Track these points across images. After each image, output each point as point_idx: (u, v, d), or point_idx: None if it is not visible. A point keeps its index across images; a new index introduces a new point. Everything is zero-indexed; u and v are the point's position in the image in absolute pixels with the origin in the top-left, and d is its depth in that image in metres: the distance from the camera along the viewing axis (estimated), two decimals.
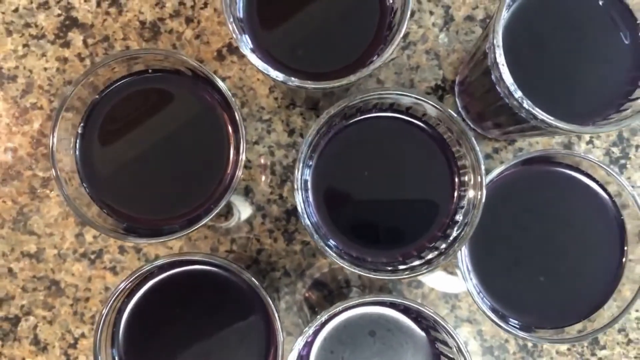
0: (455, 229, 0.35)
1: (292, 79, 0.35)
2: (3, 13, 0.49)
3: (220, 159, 0.38)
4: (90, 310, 0.48)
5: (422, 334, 0.37)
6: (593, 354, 0.48)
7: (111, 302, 0.34)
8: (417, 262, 0.35)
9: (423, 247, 0.36)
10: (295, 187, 0.34)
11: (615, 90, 0.38)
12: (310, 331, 0.34)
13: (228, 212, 0.49)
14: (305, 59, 0.37)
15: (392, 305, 0.37)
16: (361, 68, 0.35)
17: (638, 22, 0.37)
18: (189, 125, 0.39)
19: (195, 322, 0.36)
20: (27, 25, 0.49)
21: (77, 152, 0.39)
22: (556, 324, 0.39)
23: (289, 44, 0.37)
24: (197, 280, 0.36)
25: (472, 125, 0.48)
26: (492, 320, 0.36)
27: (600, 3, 0.37)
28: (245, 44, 0.35)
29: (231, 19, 0.35)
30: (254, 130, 0.49)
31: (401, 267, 0.35)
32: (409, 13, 0.34)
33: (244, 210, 0.50)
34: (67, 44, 0.49)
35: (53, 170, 0.37)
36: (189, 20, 0.49)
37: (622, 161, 0.49)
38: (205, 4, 0.49)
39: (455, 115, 0.34)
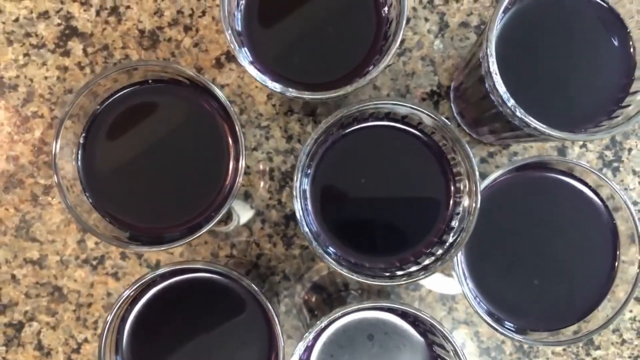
0: (452, 234, 0.36)
1: (290, 89, 0.35)
2: (4, 23, 0.49)
3: (220, 167, 0.39)
4: (93, 316, 0.49)
5: (420, 337, 0.38)
6: (588, 354, 0.49)
7: (115, 309, 0.34)
8: (414, 268, 0.36)
9: (420, 253, 0.37)
10: (294, 195, 0.35)
11: (607, 97, 0.38)
12: (311, 336, 0.35)
13: (227, 216, 0.50)
14: (302, 70, 0.37)
15: (390, 310, 0.38)
16: (358, 78, 0.36)
17: (628, 30, 0.38)
18: (189, 134, 0.40)
19: (197, 329, 0.37)
20: (28, 34, 0.49)
21: (79, 162, 0.39)
22: (551, 326, 0.39)
23: (287, 55, 0.38)
24: (198, 287, 0.37)
25: (467, 131, 0.49)
26: (488, 324, 0.37)
27: (592, 12, 0.38)
28: (244, 56, 0.36)
29: (229, 31, 0.36)
30: (252, 136, 0.49)
31: (399, 272, 0.36)
32: (404, 24, 0.35)
33: (243, 214, 0.50)
34: (67, 53, 0.50)
35: (55, 177, 0.37)
36: (187, 29, 0.49)
37: (615, 164, 0.50)
38: (204, 13, 0.50)
39: (450, 124, 0.34)
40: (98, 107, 0.39)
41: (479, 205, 0.34)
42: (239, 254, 0.49)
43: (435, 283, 0.50)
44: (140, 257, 0.49)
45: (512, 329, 0.38)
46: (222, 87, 0.49)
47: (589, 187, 0.40)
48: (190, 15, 0.49)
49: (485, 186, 0.38)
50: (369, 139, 0.37)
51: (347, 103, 0.46)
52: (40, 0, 0.49)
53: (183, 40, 0.49)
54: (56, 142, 0.37)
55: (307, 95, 0.35)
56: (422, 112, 0.35)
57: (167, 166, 0.40)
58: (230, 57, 0.49)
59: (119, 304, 0.35)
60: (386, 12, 0.38)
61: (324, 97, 0.35)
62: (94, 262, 0.49)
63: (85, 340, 0.49)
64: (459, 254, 0.39)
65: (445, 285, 0.50)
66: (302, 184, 0.36)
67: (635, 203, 0.50)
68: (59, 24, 0.50)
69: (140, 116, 0.40)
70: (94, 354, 0.49)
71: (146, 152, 0.40)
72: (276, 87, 0.36)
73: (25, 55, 0.49)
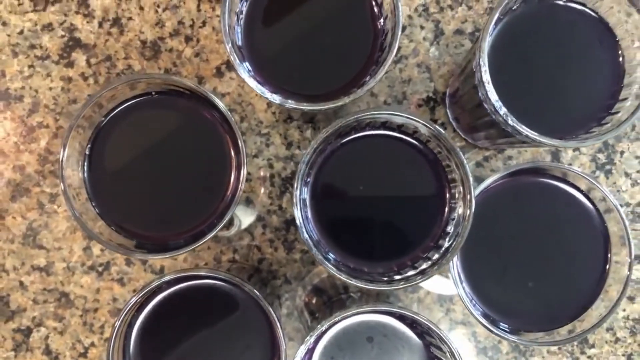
0: (447, 239, 0.37)
1: (289, 101, 0.37)
2: (9, 35, 0.50)
3: (222, 175, 0.40)
4: (99, 321, 0.50)
5: (417, 339, 0.39)
6: (582, 353, 0.50)
7: (123, 315, 0.36)
8: (411, 272, 0.37)
9: (417, 257, 0.38)
10: (294, 203, 0.36)
11: (597, 104, 0.39)
12: (312, 339, 0.36)
13: (230, 222, 0.51)
14: (301, 81, 0.39)
15: (388, 313, 0.39)
16: (355, 88, 0.37)
17: (617, 39, 0.39)
18: (191, 144, 0.41)
19: (202, 333, 0.38)
20: (32, 46, 0.51)
21: (85, 172, 0.41)
22: (545, 327, 0.41)
23: (286, 67, 0.39)
24: (202, 293, 0.38)
25: (463, 136, 0.50)
26: (483, 325, 0.38)
27: (582, 22, 0.39)
28: (244, 69, 0.37)
29: (230, 44, 0.37)
30: (253, 143, 0.51)
31: (396, 277, 0.37)
32: (399, 35, 0.36)
33: (244, 219, 0.52)
34: (71, 64, 0.51)
35: (62, 185, 0.38)
36: (188, 39, 0.51)
37: (608, 167, 0.51)
38: (204, 23, 0.51)
39: (444, 133, 0.36)
40: (103, 118, 0.41)
41: (473, 211, 0.35)
42: (241, 259, 0.50)
43: (434, 284, 0.51)
44: (144, 263, 0.50)
45: (507, 329, 0.39)
46: (222, 95, 0.50)
47: (581, 190, 0.41)
48: (191, 26, 0.51)
49: (479, 191, 0.39)
50: (367, 147, 0.38)
51: (345, 111, 0.47)
52: (44, 12, 0.50)
53: (184, 50, 0.50)
54: (63, 152, 0.38)
55: (306, 107, 0.36)
56: (418, 121, 0.36)
57: (170, 175, 0.41)
58: (231, 66, 0.51)
59: (126, 310, 0.36)
60: (382, 24, 0.39)
61: (322, 109, 0.36)
62: (100, 269, 0.50)
63: (92, 344, 0.50)
64: (455, 258, 0.40)
65: (443, 286, 0.51)
66: (302, 192, 0.37)
67: (628, 204, 0.51)
68: (62, 36, 0.51)
69: (144, 127, 0.41)
70: (101, 358, 0.50)
71: (150, 161, 0.41)
72: (275, 98, 0.37)
73: (30, 66, 0.51)
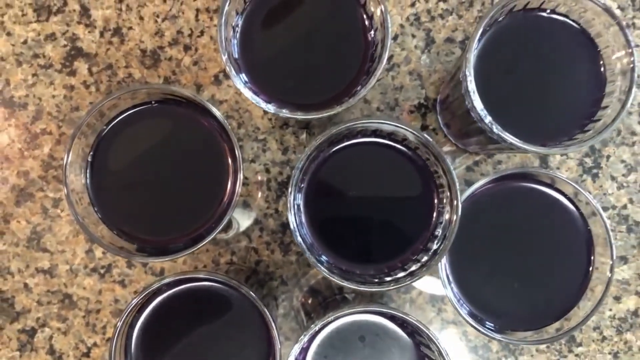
0: (436, 242, 0.39)
1: (284, 110, 0.38)
2: (13, 45, 0.52)
3: (220, 181, 0.42)
4: (101, 321, 0.52)
5: (408, 338, 0.41)
6: (570, 351, 0.52)
7: (124, 316, 0.37)
8: (401, 274, 0.39)
9: (407, 259, 0.40)
10: (289, 208, 0.37)
11: (580, 112, 0.41)
12: (306, 338, 0.38)
13: (228, 224, 0.53)
14: (295, 91, 0.40)
15: (380, 313, 0.41)
16: (347, 97, 0.39)
17: (599, 49, 0.41)
18: (190, 151, 0.42)
19: (200, 333, 0.40)
20: (36, 55, 0.52)
21: (88, 178, 0.42)
22: (531, 325, 0.42)
23: (280, 77, 0.40)
24: (200, 295, 0.40)
25: (453, 141, 0.52)
26: (470, 324, 0.39)
27: (565, 33, 0.41)
28: (240, 80, 0.38)
29: (226, 56, 0.38)
30: (250, 149, 0.52)
31: (387, 278, 0.39)
32: (388, 47, 0.38)
33: (242, 221, 0.53)
34: (73, 73, 0.52)
35: (65, 190, 0.40)
36: (187, 48, 0.52)
37: (595, 171, 0.52)
38: (202, 33, 0.52)
39: (432, 140, 0.37)
40: (104, 127, 0.42)
41: (459, 216, 0.37)
42: (239, 261, 0.52)
43: (426, 285, 0.53)
44: (145, 265, 0.52)
45: (493, 328, 0.41)
46: (220, 102, 0.52)
47: (565, 195, 0.43)
48: (190, 35, 0.52)
49: (467, 195, 0.41)
50: (358, 154, 0.40)
51: (339, 118, 0.49)
52: (47, 23, 0.52)
53: (183, 59, 0.52)
54: (67, 159, 0.40)
55: (300, 116, 0.38)
56: (407, 129, 0.38)
57: (170, 181, 0.42)
58: (228, 75, 0.52)
59: (128, 311, 0.38)
60: (372, 35, 0.40)
61: (315, 117, 0.38)
62: (102, 271, 0.52)
63: (95, 344, 0.52)
64: (443, 260, 0.41)
65: (435, 286, 0.52)
66: (296, 198, 0.38)
67: (614, 207, 0.52)
68: (65, 45, 0.52)
69: (144, 135, 0.43)
70: (103, 357, 0.51)
71: (150, 167, 0.42)
72: (270, 108, 0.38)
73: (34, 75, 0.52)
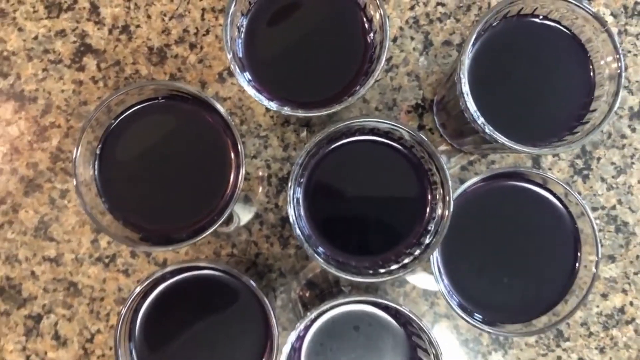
0: (428, 237, 0.41)
1: (285, 108, 0.40)
2: (24, 40, 0.54)
3: (223, 175, 0.43)
4: (105, 309, 0.53)
5: (400, 328, 0.43)
6: (558, 346, 0.53)
7: (129, 303, 0.39)
8: (394, 266, 0.40)
9: (400, 252, 0.41)
10: (288, 202, 0.39)
11: (569, 115, 0.43)
12: (302, 326, 0.39)
13: (229, 218, 0.55)
14: (297, 90, 0.42)
15: (375, 304, 0.42)
16: (346, 97, 0.41)
17: (588, 55, 0.42)
18: (194, 145, 0.44)
19: (201, 319, 0.41)
20: (46, 51, 0.54)
21: (96, 170, 0.44)
22: (519, 319, 0.44)
23: (283, 76, 0.42)
24: (202, 283, 0.42)
25: (449, 141, 0.54)
26: (460, 316, 0.41)
27: (557, 38, 0.43)
28: (244, 78, 0.40)
29: (231, 55, 0.40)
30: (252, 145, 0.54)
31: (381, 270, 0.40)
32: (386, 49, 0.40)
33: (243, 216, 0.55)
34: (82, 68, 0.54)
35: (74, 181, 0.41)
36: (192, 46, 0.54)
37: (585, 172, 0.54)
38: (207, 31, 0.54)
39: (426, 139, 0.39)
40: (113, 121, 0.44)
41: (451, 211, 0.39)
42: (239, 253, 0.54)
43: (419, 280, 0.54)
44: (148, 255, 0.53)
45: (482, 320, 0.42)
46: (224, 99, 0.54)
47: (555, 195, 0.45)
48: (195, 34, 0.54)
49: (460, 192, 0.43)
50: (356, 151, 0.42)
51: (339, 116, 0.50)
52: (57, 19, 0.54)
53: (189, 56, 0.54)
54: (76, 151, 0.42)
55: (301, 113, 0.40)
56: (403, 128, 0.39)
57: (174, 174, 0.44)
58: (232, 72, 0.54)
59: (132, 297, 0.39)
60: (371, 38, 0.42)
61: (315, 115, 0.40)
62: (106, 260, 0.53)
63: (98, 331, 0.53)
64: (436, 254, 0.43)
65: (428, 282, 0.54)
66: (295, 192, 0.40)
67: (603, 208, 0.54)
68: (74, 42, 0.54)
69: (151, 129, 0.44)
70: (106, 343, 0.53)
71: (156, 161, 0.44)
72: (272, 105, 0.40)
73: (44, 70, 0.54)
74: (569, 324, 0.53)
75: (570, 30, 0.43)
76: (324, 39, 0.42)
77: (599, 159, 0.54)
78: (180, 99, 0.44)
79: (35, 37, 0.54)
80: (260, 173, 0.54)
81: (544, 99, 0.43)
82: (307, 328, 0.42)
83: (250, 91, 0.40)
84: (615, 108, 0.40)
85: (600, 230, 0.54)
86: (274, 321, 0.40)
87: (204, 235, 0.40)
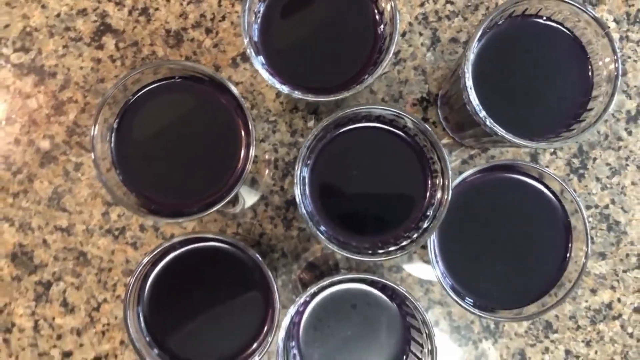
0: (426, 221, 0.43)
1: (296, 92, 0.42)
2: (47, 17, 0.56)
3: (233, 154, 0.45)
4: (112, 279, 0.55)
5: (396, 308, 0.45)
6: (546, 337, 0.55)
7: (139, 269, 0.41)
8: (393, 248, 0.42)
9: (399, 235, 0.43)
10: (295, 181, 0.41)
11: (567, 112, 0.45)
12: (302, 300, 0.41)
13: (235, 199, 0.57)
14: (308, 76, 0.44)
15: (372, 283, 0.44)
16: (354, 85, 0.42)
17: (588, 56, 0.44)
18: (207, 125, 0.46)
19: (207, 289, 0.43)
20: (67, 29, 0.56)
21: (112, 144, 0.46)
22: (509, 306, 0.46)
23: (295, 62, 0.44)
24: (209, 254, 0.44)
25: (451, 134, 0.56)
26: (453, 298, 0.43)
27: (559, 39, 0.45)
28: (258, 61, 0.42)
29: (247, 39, 0.42)
30: (261, 129, 0.56)
31: (380, 251, 0.42)
32: (395, 41, 0.42)
33: (248, 198, 0.57)
34: (101, 47, 0.56)
35: (92, 155, 0.43)
36: (208, 31, 0.56)
37: (581, 171, 0.56)
38: (224, 17, 0.56)
39: (430, 128, 0.41)
40: (131, 97, 0.46)
41: (449, 199, 0.41)
42: (244, 232, 0.56)
43: (416, 269, 0.56)
44: (156, 230, 0.55)
45: (473, 304, 0.44)
46: (236, 84, 0.56)
47: (551, 190, 0.46)
48: (212, 19, 0.56)
49: (459, 181, 0.45)
50: (361, 137, 0.44)
51: (345, 104, 0.52)
52: None
53: (204, 41, 0.56)
54: (94, 126, 0.44)
55: (311, 98, 0.42)
56: (407, 117, 0.41)
57: (187, 151, 0.46)
58: (245, 58, 0.56)
59: (142, 265, 0.41)
60: (382, 30, 0.44)
61: (324, 100, 0.42)
62: (116, 233, 0.55)
63: (105, 300, 0.55)
64: (433, 239, 0.45)
65: (424, 270, 0.56)
66: (302, 172, 0.42)
67: (596, 206, 0.56)
68: (95, 21, 0.56)
69: (166, 107, 0.46)
70: (112, 312, 0.55)
71: (169, 138, 0.46)
72: (284, 89, 0.42)
73: (64, 46, 0.56)
74: (558, 317, 0.55)
75: (572, 32, 0.44)
76: (336, 28, 0.44)
77: (595, 159, 0.56)
78: (195, 80, 0.46)
79: (58, 15, 0.56)
80: (267, 156, 0.56)
81: (544, 96, 0.45)
82: (306, 304, 0.44)
83: (264, 74, 0.42)
84: (610, 108, 0.42)
85: (592, 228, 0.56)
86: (276, 293, 0.42)
87: (212, 210, 0.42)
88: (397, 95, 0.56)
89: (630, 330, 0.55)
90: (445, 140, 0.56)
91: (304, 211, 0.41)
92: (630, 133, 0.56)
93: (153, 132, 0.46)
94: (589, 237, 0.44)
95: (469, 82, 0.42)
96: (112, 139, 0.46)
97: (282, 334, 0.41)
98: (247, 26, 0.42)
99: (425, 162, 0.43)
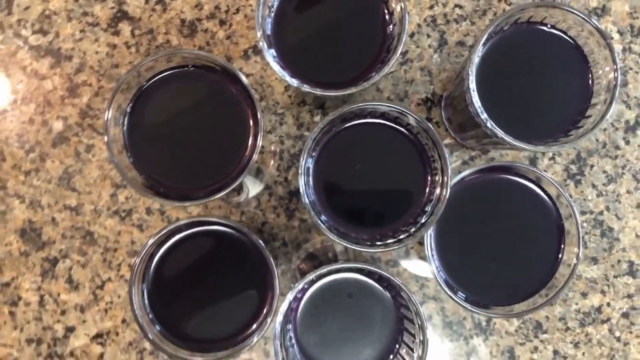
0: (424, 217, 0.44)
1: (305, 85, 0.43)
2: (66, 2, 0.57)
3: (241, 143, 0.46)
4: (117, 259, 0.57)
5: (391, 300, 0.46)
6: (536, 336, 0.57)
7: (145, 249, 0.42)
8: (390, 240, 0.44)
9: (397, 229, 0.45)
10: (300, 172, 0.43)
11: (566, 118, 0.46)
12: (300, 287, 0.43)
13: (240, 187, 0.58)
14: (317, 70, 0.45)
15: (369, 274, 0.46)
16: (362, 81, 0.44)
17: (589, 65, 0.46)
18: (217, 113, 0.47)
19: (210, 271, 0.45)
20: (85, 14, 0.57)
21: (124, 128, 0.47)
22: (500, 303, 0.47)
23: (306, 57, 0.46)
24: (213, 238, 0.45)
25: (453, 135, 0.57)
26: (445, 291, 0.45)
27: (562, 47, 0.46)
28: (270, 54, 0.44)
29: (261, 32, 0.44)
30: (268, 121, 0.57)
31: (377, 243, 0.44)
32: (403, 41, 0.43)
33: (253, 188, 0.58)
34: (117, 33, 0.58)
35: (105, 137, 0.45)
36: (222, 23, 0.57)
37: (578, 177, 0.57)
38: (237, 10, 0.57)
39: (432, 127, 0.42)
40: (144, 83, 0.47)
41: (447, 195, 0.42)
42: (247, 220, 0.57)
43: (412, 265, 0.58)
44: (162, 213, 0.57)
45: (463, 298, 0.46)
46: (247, 76, 0.57)
47: (547, 194, 0.48)
48: (226, 11, 0.57)
49: (457, 180, 0.46)
50: (366, 132, 0.45)
51: (352, 101, 0.54)
52: None
53: (218, 32, 0.57)
54: (108, 111, 0.45)
55: (319, 92, 0.43)
56: (411, 115, 0.43)
57: (196, 138, 0.47)
58: (257, 51, 0.57)
59: (149, 245, 0.43)
60: (391, 29, 0.45)
61: (332, 95, 0.43)
62: (123, 214, 0.57)
63: (109, 279, 0.57)
64: (430, 237, 0.47)
65: (420, 267, 0.58)
66: (307, 163, 0.44)
67: (591, 212, 0.57)
68: (112, 7, 0.57)
69: (177, 95, 0.48)
70: (115, 291, 0.57)
71: (180, 124, 0.47)
72: (293, 82, 0.44)
73: (82, 31, 0.57)
74: (548, 318, 0.57)
75: (575, 41, 0.46)
76: (346, 26, 0.46)
77: (592, 166, 0.57)
78: (207, 69, 0.47)
79: (77, 0, 0.57)
80: (273, 148, 0.58)
81: (544, 102, 0.46)
82: (304, 290, 0.46)
83: (275, 67, 0.43)
84: (608, 116, 0.43)
85: (586, 233, 0.57)
86: (276, 280, 0.43)
87: (218, 195, 0.44)
88: (403, 94, 0.57)
89: (617, 334, 0.57)
90: (447, 141, 0.58)
91: (307, 201, 0.43)
92: (628, 142, 0.57)
93: (164, 118, 0.48)
94: (581, 241, 0.46)
95: (472, 85, 0.43)
96: (125, 123, 0.48)
97: (279, 318, 0.43)
98: (261, 19, 0.43)
99: (426, 159, 0.45)
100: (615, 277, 0.57)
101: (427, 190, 0.45)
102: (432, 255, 0.46)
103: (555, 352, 0.57)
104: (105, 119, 0.45)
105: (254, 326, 0.44)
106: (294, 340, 0.45)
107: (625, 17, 0.58)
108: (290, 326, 0.45)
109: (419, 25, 0.57)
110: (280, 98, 0.58)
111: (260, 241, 0.43)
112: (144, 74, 0.48)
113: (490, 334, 0.57)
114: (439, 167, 0.44)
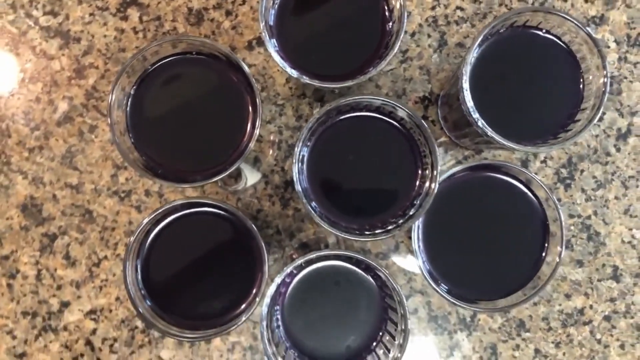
0: (413, 209, 0.45)
1: (304, 77, 0.45)
2: None
3: (239, 130, 0.48)
4: (114, 238, 0.58)
5: (377, 289, 0.48)
6: (518, 335, 0.58)
7: (142, 227, 0.44)
8: (379, 230, 0.45)
9: (386, 220, 0.46)
10: (294, 160, 0.44)
11: (556, 121, 0.47)
12: (289, 271, 0.44)
13: (238, 175, 0.60)
14: (317, 63, 0.47)
15: (357, 262, 0.47)
16: (359, 75, 0.45)
17: (581, 70, 0.47)
18: (218, 100, 0.49)
19: (203, 252, 0.46)
20: None
21: (128, 110, 0.48)
22: (483, 297, 0.48)
23: (306, 49, 0.47)
24: (208, 219, 0.46)
25: (448, 134, 0.58)
26: (428, 282, 0.46)
27: (555, 51, 0.47)
28: (272, 45, 0.45)
29: (264, 23, 0.45)
30: (268, 111, 0.59)
31: (366, 232, 0.45)
32: (401, 38, 0.44)
33: (251, 177, 0.60)
34: (125, 18, 0.59)
35: (109, 119, 0.46)
36: (228, 13, 0.59)
37: (568, 181, 0.59)
38: (244, 1, 0.59)
39: (424, 124, 0.44)
40: (149, 67, 0.49)
41: (436, 190, 0.44)
42: (242, 207, 0.59)
43: (401, 259, 0.59)
44: (161, 195, 0.58)
45: (446, 290, 0.47)
46: (249, 66, 0.59)
47: (535, 195, 0.49)
48: (233, 2, 0.59)
49: (447, 176, 0.47)
50: (360, 125, 0.47)
51: (350, 94, 0.55)
52: None
53: (223, 22, 0.59)
54: (112, 93, 0.46)
55: (317, 83, 0.45)
56: (405, 110, 0.44)
57: (196, 123, 0.49)
58: (260, 42, 0.59)
59: (144, 222, 0.44)
60: (390, 26, 0.47)
61: (330, 87, 0.45)
62: (122, 195, 0.59)
63: (105, 257, 0.59)
64: (418, 231, 0.48)
65: (408, 262, 0.59)
66: (301, 151, 0.45)
67: (579, 216, 0.59)
68: None
69: (181, 80, 0.49)
70: (111, 270, 0.58)
71: (181, 108, 0.49)
72: (294, 73, 0.45)
73: (91, 14, 0.59)
74: (531, 317, 0.58)
75: (568, 46, 0.47)
76: (347, 21, 0.47)
77: (582, 171, 0.59)
78: (210, 57, 0.49)
79: None
80: (272, 137, 0.59)
81: (536, 104, 0.48)
82: (293, 275, 0.47)
83: (276, 57, 0.45)
84: (595, 122, 0.44)
85: (573, 236, 0.59)
86: (265, 264, 0.45)
87: (215, 179, 0.45)
88: (401, 91, 0.59)
89: (598, 336, 0.58)
90: (442, 139, 0.59)
91: (300, 188, 0.44)
92: (618, 150, 0.59)
93: (166, 102, 0.49)
94: (564, 244, 0.47)
95: (466, 84, 0.45)
96: (128, 105, 0.49)
97: (267, 300, 0.44)
98: (265, 10, 0.45)
99: (418, 154, 0.46)
100: (599, 280, 0.58)
101: (417, 183, 0.46)
102: (419, 247, 0.48)
103: (537, 350, 0.58)
104: (109, 101, 0.46)
105: (243, 307, 0.46)
106: (280, 322, 0.47)
107: (623, 27, 0.59)
108: (277, 309, 0.47)
109: (420, 25, 0.59)
110: (281, 89, 0.59)
111: (253, 225, 0.44)
112: (149, 59, 0.49)
113: (474, 329, 0.58)
114: (429, 161, 0.45)
